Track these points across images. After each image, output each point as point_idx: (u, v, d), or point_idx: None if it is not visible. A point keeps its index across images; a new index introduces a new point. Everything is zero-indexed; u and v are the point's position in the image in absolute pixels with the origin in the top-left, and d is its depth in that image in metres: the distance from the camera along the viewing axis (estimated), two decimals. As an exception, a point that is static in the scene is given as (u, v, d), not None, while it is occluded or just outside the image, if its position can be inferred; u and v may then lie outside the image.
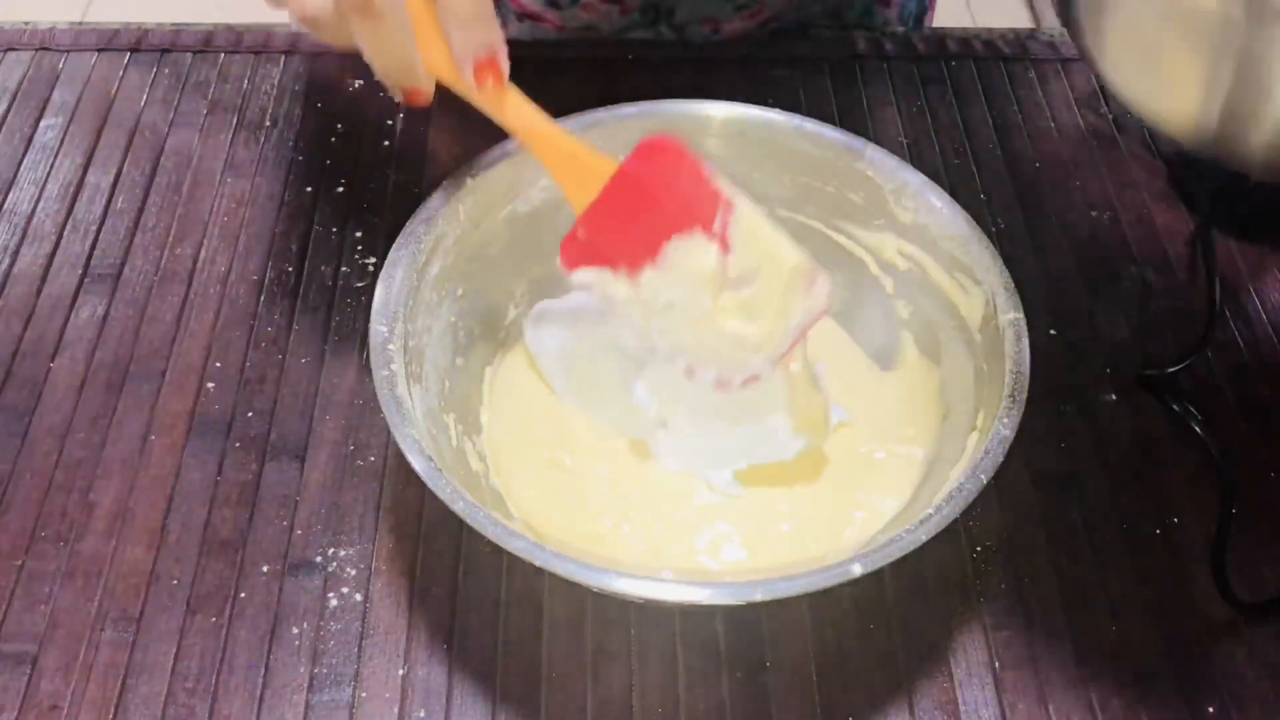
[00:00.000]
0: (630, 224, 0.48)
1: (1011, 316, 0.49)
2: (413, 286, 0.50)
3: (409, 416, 0.45)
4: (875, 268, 0.57)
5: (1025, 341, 0.48)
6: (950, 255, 0.53)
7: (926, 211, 0.53)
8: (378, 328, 0.47)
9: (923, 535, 0.43)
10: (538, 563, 0.42)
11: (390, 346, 0.47)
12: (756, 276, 0.48)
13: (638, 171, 0.48)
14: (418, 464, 0.44)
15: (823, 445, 0.53)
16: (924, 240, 0.54)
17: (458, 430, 0.51)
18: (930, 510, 0.44)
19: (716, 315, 0.48)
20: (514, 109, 0.48)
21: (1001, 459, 0.45)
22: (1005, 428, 0.46)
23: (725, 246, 0.47)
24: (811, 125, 0.55)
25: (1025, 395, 0.46)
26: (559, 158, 0.49)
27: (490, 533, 0.42)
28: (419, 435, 0.45)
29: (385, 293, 0.48)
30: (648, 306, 0.49)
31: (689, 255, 0.47)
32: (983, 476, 0.44)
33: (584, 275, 0.49)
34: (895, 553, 0.42)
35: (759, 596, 0.42)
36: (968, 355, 0.52)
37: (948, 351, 0.54)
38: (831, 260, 0.58)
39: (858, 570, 0.42)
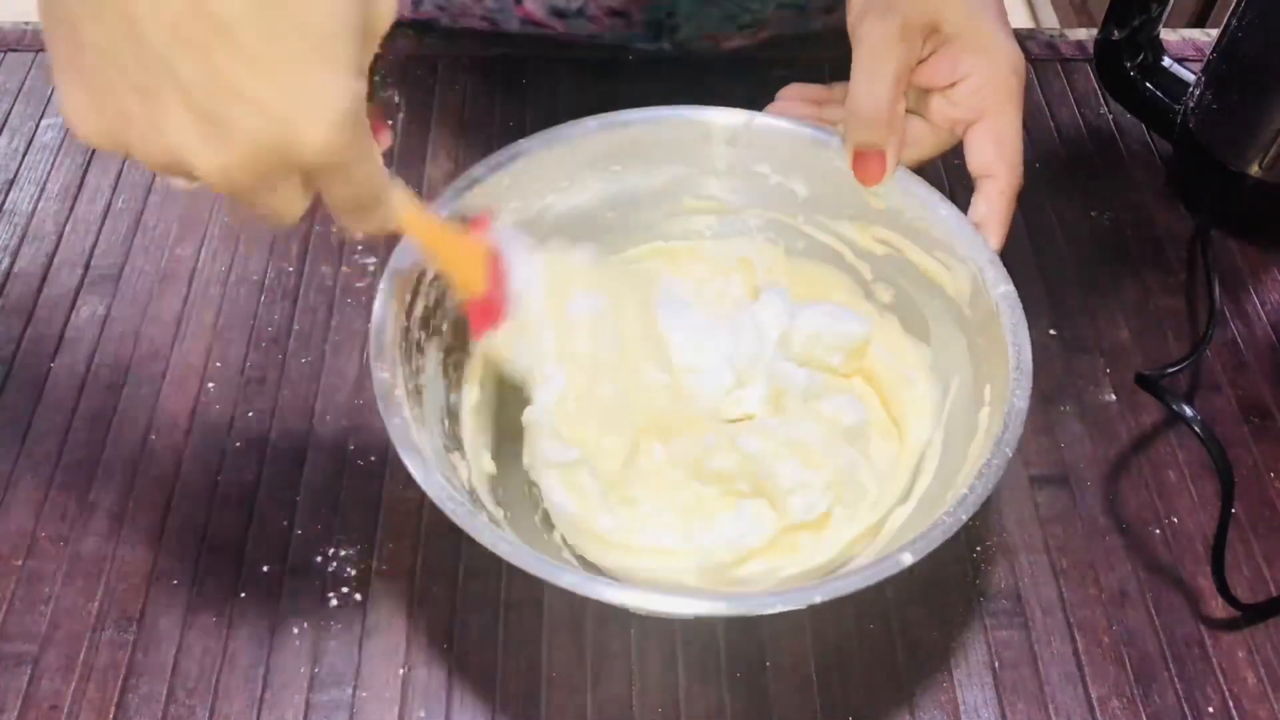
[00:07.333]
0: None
1: (1003, 290, 0.49)
2: (403, 327, 0.49)
3: (427, 459, 0.45)
4: (851, 255, 0.57)
5: (1020, 312, 0.48)
6: (929, 235, 0.53)
7: (899, 195, 0.53)
8: (379, 375, 0.46)
9: (963, 515, 0.42)
10: (584, 593, 0.41)
11: (397, 392, 0.46)
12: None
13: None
14: (433, 491, 0.43)
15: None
16: (899, 224, 0.54)
17: (465, 466, 0.51)
18: (965, 490, 0.43)
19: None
20: (411, 220, 0.45)
21: (1021, 431, 0.45)
22: (1019, 399, 0.45)
23: None
24: (774, 120, 0.55)
25: (1031, 365, 0.46)
26: (449, 245, 0.48)
27: (544, 573, 0.42)
28: (440, 479, 0.44)
29: (379, 339, 0.47)
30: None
31: None
32: (1007, 450, 0.44)
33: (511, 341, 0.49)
34: (940, 536, 0.42)
35: (819, 599, 0.41)
36: (959, 332, 0.52)
37: (936, 330, 0.54)
38: (805, 252, 0.58)
39: (909, 559, 0.41)
